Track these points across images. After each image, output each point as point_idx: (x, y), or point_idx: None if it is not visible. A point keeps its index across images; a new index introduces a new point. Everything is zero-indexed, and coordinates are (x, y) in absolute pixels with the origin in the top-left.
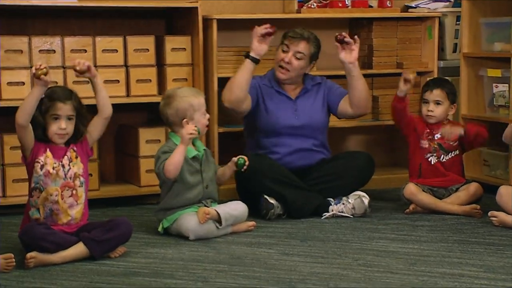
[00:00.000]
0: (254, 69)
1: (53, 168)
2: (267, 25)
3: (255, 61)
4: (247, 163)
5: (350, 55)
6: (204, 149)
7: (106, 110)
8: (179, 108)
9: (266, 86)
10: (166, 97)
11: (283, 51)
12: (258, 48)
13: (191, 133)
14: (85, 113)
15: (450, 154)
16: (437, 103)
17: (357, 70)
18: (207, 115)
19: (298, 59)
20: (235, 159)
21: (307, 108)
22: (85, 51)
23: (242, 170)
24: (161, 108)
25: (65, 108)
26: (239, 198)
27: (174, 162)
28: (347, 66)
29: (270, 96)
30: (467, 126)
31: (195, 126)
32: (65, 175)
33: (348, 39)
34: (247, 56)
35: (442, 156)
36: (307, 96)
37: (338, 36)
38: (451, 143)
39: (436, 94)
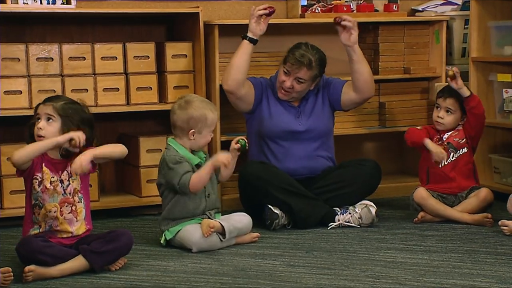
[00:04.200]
0: (252, 50)
1: (51, 183)
2: (265, 6)
3: (253, 41)
4: (248, 141)
5: (349, 38)
6: (205, 156)
7: (123, 155)
8: (193, 117)
9: (270, 89)
10: (184, 102)
11: (285, 73)
12: (256, 28)
13: (224, 162)
14: (76, 121)
15: (459, 152)
16: (448, 111)
17: (358, 53)
18: (212, 134)
19: (300, 83)
20: (234, 144)
21: (310, 112)
22: (84, 58)
23: (247, 148)
24: (173, 109)
25: (43, 109)
26: (243, 209)
27: (203, 180)
28: (347, 49)
29: (273, 101)
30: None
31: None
32: (64, 190)
33: (345, 22)
34: (245, 37)
35: (452, 154)
36: (309, 101)
37: (336, 18)
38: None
39: (449, 102)
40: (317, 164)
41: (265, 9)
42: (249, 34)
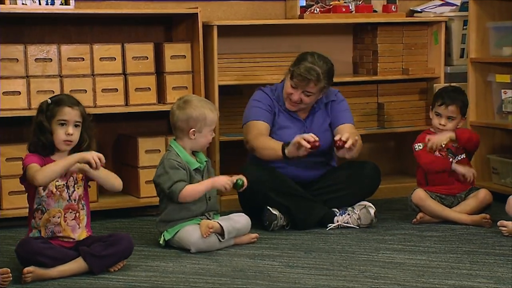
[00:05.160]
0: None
1: (56, 188)
2: (314, 140)
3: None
4: (245, 185)
5: (350, 153)
6: (206, 161)
7: (116, 189)
8: (192, 116)
9: (276, 101)
10: (183, 102)
11: (292, 87)
12: (292, 152)
13: (225, 186)
14: (90, 123)
15: (457, 157)
16: (450, 118)
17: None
18: (214, 134)
19: (308, 95)
20: (234, 179)
21: (316, 130)
22: (83, 59)
23: (239, 190)
24: (173, 110)
25: (72, 114)
26: (242, 209)
27: (197, 196)
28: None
29: (279, 114)
30: (457, 132)
31: (239, 179)
32: (69, 197)
33: (349, 143)
34: (283, 148)
35: (451, 160)
36: (317, 116)
37: (338, 142)
38: (443, 147)
39: (451, 110)
40: (316, 172)
41: (311, 143)
42: (286, 150)
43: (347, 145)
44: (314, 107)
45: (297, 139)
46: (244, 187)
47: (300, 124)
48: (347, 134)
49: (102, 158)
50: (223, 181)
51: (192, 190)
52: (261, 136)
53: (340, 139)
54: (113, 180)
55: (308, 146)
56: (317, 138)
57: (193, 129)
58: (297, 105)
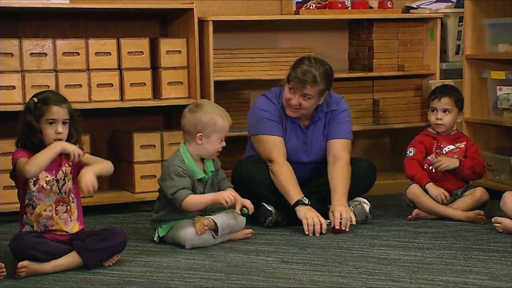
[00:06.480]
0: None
1: (47, 183)
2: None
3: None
4: (251, 212)
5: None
6: (212, 171)
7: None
8: (201, 120)
9: (282, 110)
10: (195, 105)
11: (290, 91)
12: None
13: (226, 201)
14: (77, 118)
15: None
16: (446, 110)
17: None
18: (224, 143)
19: (307, 99)
20: (238, 211)
21: (316, 142)
22: (78, 54)
23: (248, 215)
24: (184, 112)
25: (61, 112)
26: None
27: (198, 207)
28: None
29: (286, 125)
30: (462, 161)
31: (245, 208)
32: (60, 190)
33: (347, 228)
34: (297, 203)
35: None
36: (318, 126)
37: (337, 230)
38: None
39: (445, 102)
40: (313, 172)
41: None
42: (296, 209)
43: (347, 229)
44: (315, 116)
45: (305, 225)
46: (250, 213)
47: (302, 135)
48: (344, 217)
49: (81, 155)
50: (226, 195)
51: (195, 201)
52: (285, 169)
53: (339, 227)
54: (110, 168)
55: (312, 234)
56: (324, 227)
57: (200, 134)
58: (297, 111)
